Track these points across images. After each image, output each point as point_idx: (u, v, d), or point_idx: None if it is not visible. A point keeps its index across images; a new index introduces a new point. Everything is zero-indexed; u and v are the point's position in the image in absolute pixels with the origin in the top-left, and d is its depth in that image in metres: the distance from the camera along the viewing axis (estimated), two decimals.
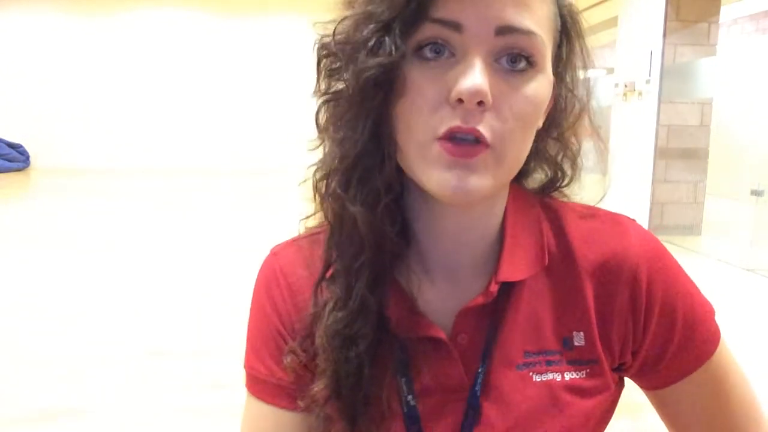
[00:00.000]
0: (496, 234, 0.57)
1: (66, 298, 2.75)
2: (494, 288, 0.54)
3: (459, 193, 0.49)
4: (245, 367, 0.60)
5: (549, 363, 0.55)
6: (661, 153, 4.73)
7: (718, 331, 0.57)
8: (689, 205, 4.72)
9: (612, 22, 5.58)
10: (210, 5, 9.64)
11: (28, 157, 8.73)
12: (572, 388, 0.55)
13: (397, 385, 0.55)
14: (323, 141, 0.55)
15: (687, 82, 4.49)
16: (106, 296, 2.80)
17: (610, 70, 5.38)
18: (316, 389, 0.54)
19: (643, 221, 4.64)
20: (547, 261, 0.56)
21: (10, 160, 8.40)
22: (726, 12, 6.36)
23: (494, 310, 0.55)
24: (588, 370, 0.56)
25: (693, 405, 0.58)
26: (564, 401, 0.55)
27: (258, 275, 0.62)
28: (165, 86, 9.67)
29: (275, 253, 0.62)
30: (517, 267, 0.56)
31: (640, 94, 4.80)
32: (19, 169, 8.48)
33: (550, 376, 0.55)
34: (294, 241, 0.62)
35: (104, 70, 9.61)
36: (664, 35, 4.61)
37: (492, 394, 0.55)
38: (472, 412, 0.55)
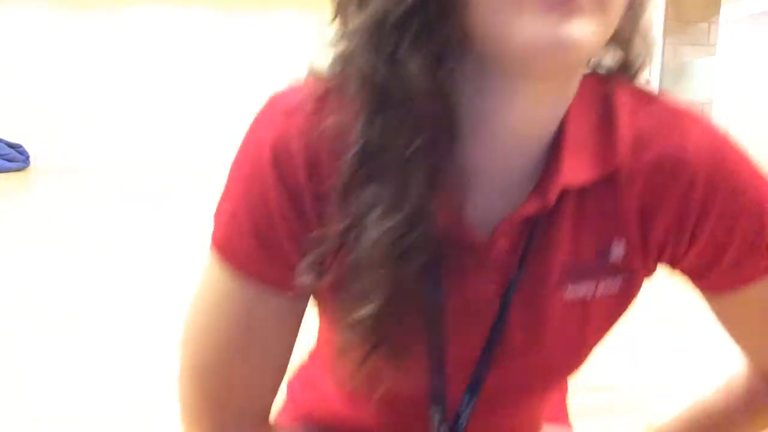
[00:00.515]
0: (555, 131, 0.47)
1: (66, 298, 2.74)
2: (553, 196, 0.46)
3: (561, 43, 0.38)
4: (225, 237, 0.48)
5: (585, 276, 0.50)
6: None
7: None
8: None
9: None
10: (211, 1, 9.65)
11: (27, 157, 8.73)
12: (604, 302, 0.51)
13: (427, 296, 0.47)
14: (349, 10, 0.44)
15: (687, 82, 4.49)
16: (106, 296, 2.80)
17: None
18: (358, 316, 0.44)
19: None
20: (615, 163, 0.47)
21: (9, 160, 8.39)
22: (726, 12, 6.35)
23: (537, 220, 0.48)
24: (622, 282, 0.51)
25: (755, 315, 0.52)
26: (593, 317, 0.51)
27: (257, 135, 0.48)
28: (166, 84, 9.67)
29: (287, 113, 0.47)
30: (579, 170, 0.47)
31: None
32: (19, 169, 8.47)
33: (583, 292, 0.50)
34: (303, 98, 0.47)
35: (104, 68, 9.61)
36: (664, 35, 4.60)
37: (522, 313, 0.50)
38: (498, 330, 0.50)
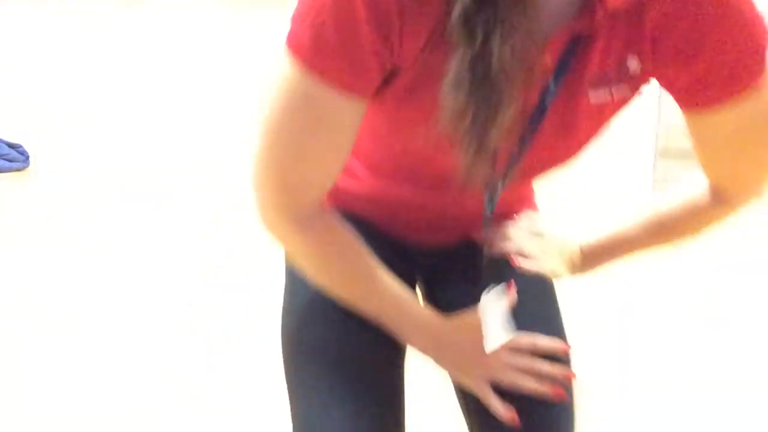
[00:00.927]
0: None
1: (66, 298, 2.74)
2: (600, 15, 0.53)
3: None
4: (310, 47, 0.54)
5: (604, 85, 0.59)
6: (661, 153, 4.73)
7: (760, 73, 0.57)
8: None
9: None
10: (212, 2, 9.65)
11: (27, 157, 8.71)
12: (616, 107, 0.62)
13: None
14: None
15: None
16: (106, 296, 2.80)
17: None
18: (497, 122, 0.52)
19: None
20: None
21: (9, 160, 8.38)
22: None
23: (578, 37, 0.55)
24: (628, 90, 0.61)
25: (723, 136, 0.61)
26: (605, 120, 0.63)
27: None
28: (166, 84, 9.65)
29: None
30: None
31: (640, 93, 4.80)
32: (18, 169, 8.46)
33: (602, 98, 0.60)
34: None
35: (104, 68, 9.57)
36: None
37: (554, 116, 0.59)
38: (533, 130, 0.60)
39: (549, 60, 0.56)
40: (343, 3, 0.53)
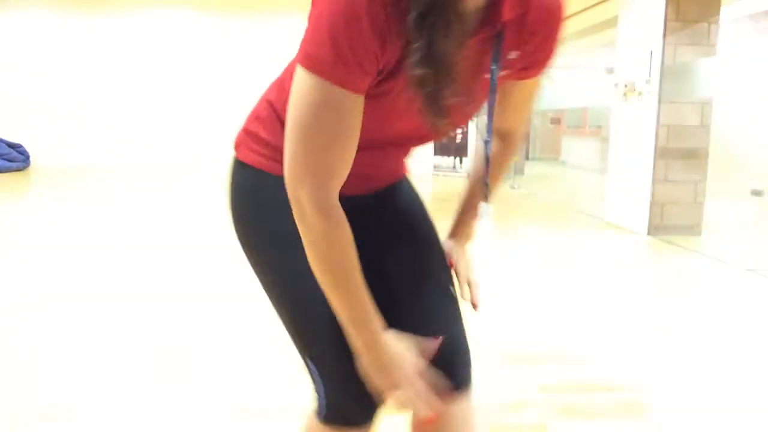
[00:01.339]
0: None
1: (66, 299, 2.75)
2: (499, 23, 0.77)
3: None
4: (331, 63, 0.71)
5: (502, 69, 0.84)
6: (661, 153, 4.73)
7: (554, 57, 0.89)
8: (689, 205, 4.72)
9: (612, 22, 5.57)
10: (210, 4, 9.65)
11: (28, 157, 8.73)
12: (501, 82, 0.89)
13: None
14: None
15: (687, 82, 4.48)
16: (105, 296, 2.80)
17: (610, 70, 5.38)
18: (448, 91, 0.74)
19: (643, 221, 4.64)
20: (526, 8, 0.80)
21: (10, 160, 8.40)
22: (726, 12, 6.34)
23: (493, 37, 0.81)
24: (508, 73, 0.86)
25: (520, 97, 0.95)
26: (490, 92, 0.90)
27: None
28: (165, 85, 9.66)
29: None
30: (511, 11, 0.79)
31: (640, 93, 4.79)
32: (19, 169, 8.47)
33: (502, 74, 0.85)
34: None
35: (104, 69, 9.60)
36: (664, 35, 4.60)
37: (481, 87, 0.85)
38: (492, 97, 0.83)
39: (487, 49, 0.80)
40: (353, 24, 0.69)
